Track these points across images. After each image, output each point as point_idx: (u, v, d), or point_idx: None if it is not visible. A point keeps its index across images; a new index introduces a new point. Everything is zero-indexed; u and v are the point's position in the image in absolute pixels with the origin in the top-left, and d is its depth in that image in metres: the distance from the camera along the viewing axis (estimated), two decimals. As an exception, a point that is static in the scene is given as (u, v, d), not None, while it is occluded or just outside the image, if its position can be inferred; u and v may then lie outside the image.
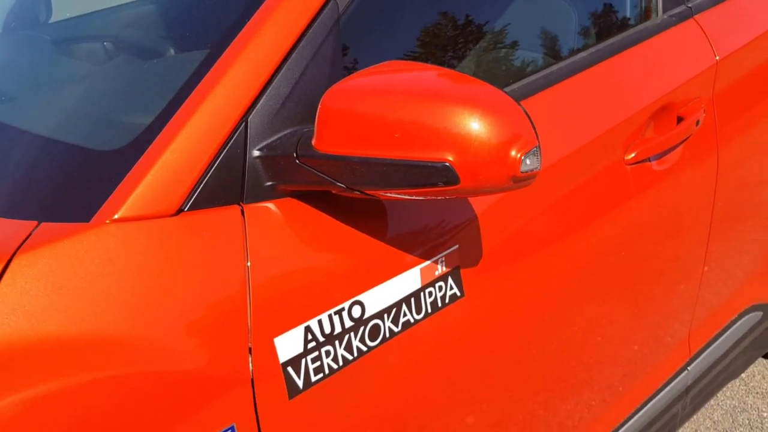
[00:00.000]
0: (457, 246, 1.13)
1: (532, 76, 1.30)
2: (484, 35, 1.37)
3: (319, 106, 0.94)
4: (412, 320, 1.09)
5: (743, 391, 2.40)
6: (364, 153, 0.91)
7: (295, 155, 0.96)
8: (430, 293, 1.11)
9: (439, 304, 1.12)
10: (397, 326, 1.07)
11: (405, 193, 0.92)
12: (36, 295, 0.81)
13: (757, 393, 2.39)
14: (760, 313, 2.03)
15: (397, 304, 1.07)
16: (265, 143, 0.98)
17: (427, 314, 1.11)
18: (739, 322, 1.96)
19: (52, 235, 0.86)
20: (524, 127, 0.89)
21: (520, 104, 0.91)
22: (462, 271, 1.15)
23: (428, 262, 1.10)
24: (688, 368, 1.80)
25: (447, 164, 0.88)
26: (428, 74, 0.94)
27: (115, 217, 0.89)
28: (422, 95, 0.90)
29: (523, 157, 0.89)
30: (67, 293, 0.83)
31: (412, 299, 1.09)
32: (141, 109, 1.04)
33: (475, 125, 0.87)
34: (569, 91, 1.35)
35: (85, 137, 1.06)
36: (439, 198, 0.93)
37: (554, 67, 1.34)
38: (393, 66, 0.97)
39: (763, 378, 2.46)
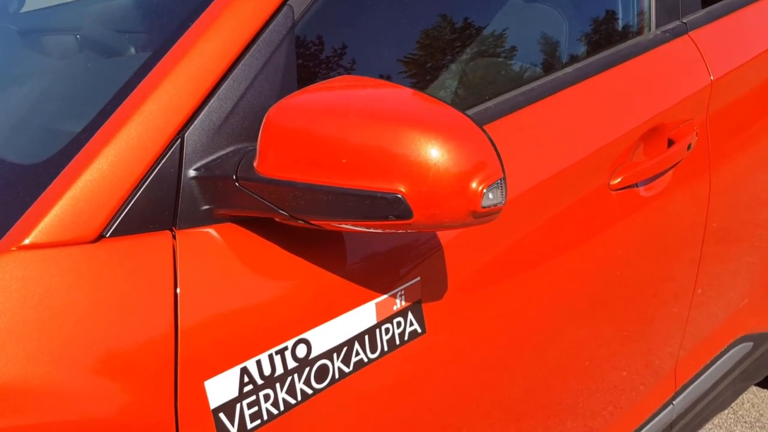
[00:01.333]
0: (418, 278, 1.03)
1: (512, 92, 1.20)
2: (462, 46, 1.27)
3: (263, 124, 0.84)
4: (365, 359, 0.99)
5: (731, 420, 2.31)
6: (309, 179, 0.81)
7: (234, 177, 0.86)
8: (387, 330, 1.01)
9: (398, 342, 1.02)
10: (348, 366, 0.97)
11: (353, 225, 0.83)
12: None
13: (745, 422, 2.30)
14: (750, 344, 1.93)
15: (349, 342, 0.97)
16: (203, 162, 0.88)
17: (383, 353, 1.01)
18: (728, 354, 1.86)
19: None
20: (488, 156, 0.80)
21: (484, 130, 0.81)
22: (424, 306, 1.05)
23: (385, 296, 1.00)
24: (674, 402, 1.71)
25: (399, 196, 0.78)
26: (384, 92, 0.84)
27: (24, 243, 0.79)
28: (374, 116, 0.80)
29: (485, 190, 0.79)
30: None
31: (366, 337, 0.99)
32: (68, 119, 0.94)
33: (431, 152, 0.77)
34: (551, 108, 1.26)
35: (1, 146, 0.96)
36: (391, 231, 0.83)
37: (537, 83, 1.24)
38: (347, 81, 0.87)
39: (753, 406, 2.37)
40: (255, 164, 0.85)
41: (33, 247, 0.79)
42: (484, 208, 0.79)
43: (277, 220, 0.88)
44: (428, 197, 0.78)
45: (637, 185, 1.35)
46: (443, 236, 1.06)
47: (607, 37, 1.48)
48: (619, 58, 1.38)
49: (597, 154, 1.29)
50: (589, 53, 1.42)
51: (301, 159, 0.82)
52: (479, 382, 1.17)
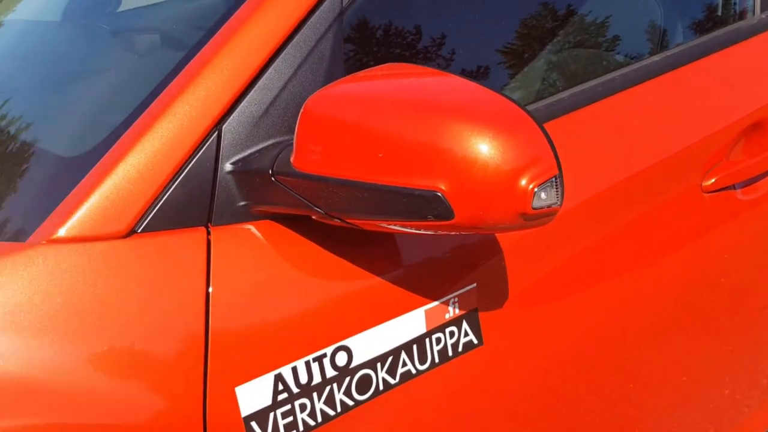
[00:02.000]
0: (474, 285, 0.95)
1: (592, 82, 1.09)
2: (535, 32, 1.17)
3: (300, 115, 0.79)
4: (413, 371, 0.92)
5: None
6: (344, 174, 0.75)
7: (271, 172, 0.81)
8: (438, 340, 0.94)
9: (450, 353, 0.95)
10: (393, 377, 0.91)
11: (390, 224, 0.76)
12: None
13: None
14: None
15: (395, 352, 0.90)
16: (240, 156, 0.84)
17: (433, 364, 0.93)
18: None
19: (-21, 255, 0.75)
20: (541, 151, 0.71)
21: (538, 121, 0.72)
22: (481, 315, 0.96)
23: (436, 303, 0.92)
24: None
25: (438, 194, 0.70)
26: (428, 80, 0.76)
27: (55, 236, 0.77)
28: (413, 106, 0.72)
29: (536, 189, 0.70)
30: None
31: (415, 346, 0.92)
32: (111, 113, 0.92)
33: (474, 145, 0.69)
34: (637, 99, 1.14)
35: (41, 139, 0.95)
36: (431, 233, 0.76)
37: (621, 71, 1.13)
38: (392, 69, 0.81)
39: None
40: (291, 158, 0.80)
41: (63, 240, 0.77)
42: (535, 209, 0.70)
43: (314, 218, 0.82)
44: (472, 196, 0.70)
45: (734, 187, 1.20)
46: (504, 237, 0.97)
47: (705, 22, 1.34)
48: (718, 45, 1.24)
49: (688, 152, 1.15)
50: (685, 39, 1.28)
51: (336, 153, 0.76)
52: (545, 404, 1.07)
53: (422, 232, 0.75)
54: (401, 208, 0.73)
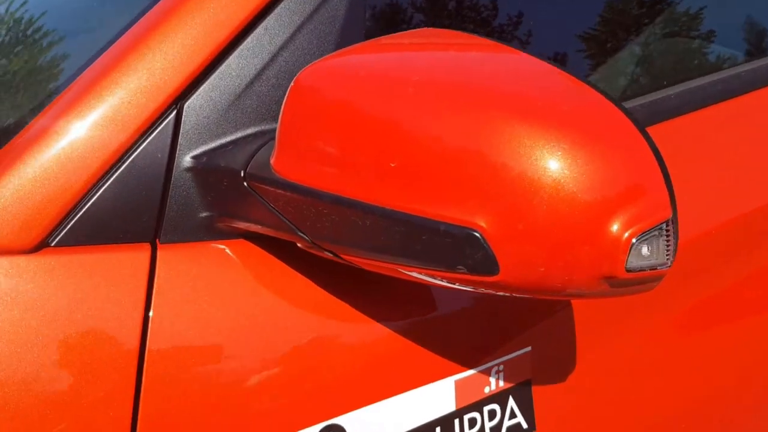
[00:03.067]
0: (529, 348, 0.68)
1: (705, 78, 0.80)
2: (630, 12, 0.89)
3: (287, 97, 0.54)
4: (435, 460, 0.67)
5: None
6: (340, 189, 0.50)
7: (243, 175, 0.56)
8: (473, 422, 0.67)
9: (489, 440, 0.69)
10: (407, 468, 0.65)
11: (403, 269, 0.50)
12: None
13: None
14: None
15: (409, 435, 0.65)
16: (206, 148, 0.59)
17: (464, 454, 0.68)
18: None
19: None
20: (648, 179, 0.44)
21: (645, 132, 0.45)
22: (535, 390, 0.70)
23: (472, 372, 0.66)
24: None
25: (476, 234, 0.44)
26: (478, 57, 0.50)
27: (-69, 246, 0.55)
28: (450, 93, 0.46)
29: (635, 240, 0.43)
30: None
31: (438, 429, 0.66)
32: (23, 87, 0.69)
33: (540, 162, 0.43)
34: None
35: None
36: (465, 290, 0.50)
37: (746, 67, 0.83)
38: (427, 37, 0.55)
39: None
40: (272, 159, 0.55)
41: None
42: (630, 271, 0.44)
43: (299, 246, 0.57)
44: (528, 242, 0.44)
45: None
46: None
47: None
48: None
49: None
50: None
51: (332, 156, 0.51)
52: None
53: (450, 285, 0.50)
54: (419, 250, 0.47)
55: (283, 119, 0.54)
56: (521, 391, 0.69)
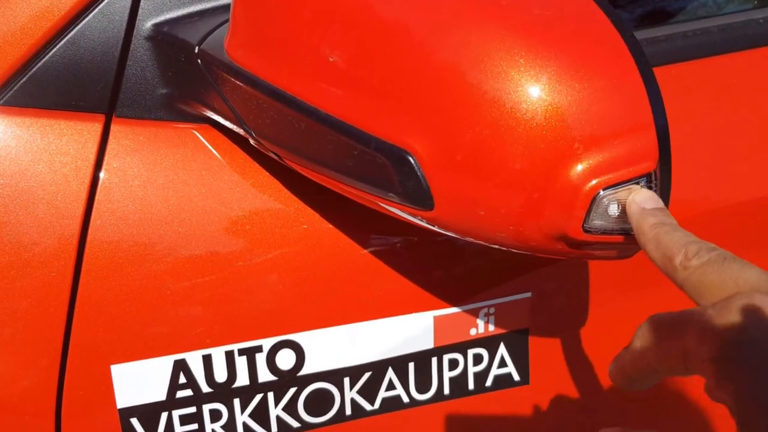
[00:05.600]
0: (529, 294, 0.59)
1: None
2: None
3: (246, -38, 0.45)
4: (405, 399, 0.60)
5: None
6: (280, 81, 0.42)
7: (197, 51, 0.49)
8: (454, 363, 0.60)
9: (471, 386, 0.61)
10: (371, 402, 0.59)
11: (335, 184, 0.42)
12: None
13: None
14: None
15: (376, 367, 0.58)
16: (170, 16, 0.52)
17: (441, 397, 0.60)
18: None
19: None
20: (633, 121, 0.32)
21: (644, 59, 0.33)
22: (531, 341, 0.61)
23: (454, 309, 0.58)
24: None
25: (409, 157, 0.35)
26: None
27: None
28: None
29: (602, 193, 0.33)
30: None
31: (411, 365, 0.59)
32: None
33: (499, 83, 0.32)
34: None
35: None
36: (398, 217, 0.41)
37: None
38: None
39: None
40: (225, 38, 0.47)
41: None
42: (589, 233, 0.33)
43: (250, 141, 0.50)
44: (466, 176, 0.34)
45: None
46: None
47: None
48: None
49: None
50: None
51: (276, 43, 0.42)
52: None
53: (392, 212, 0.41)
54: (351, 166, 0.38)
55: (238, -10, 0.45)
56: (515, 339, 0.60)
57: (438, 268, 0.57)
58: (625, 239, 0.34)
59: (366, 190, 0.39)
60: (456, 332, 0.59)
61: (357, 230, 0.55)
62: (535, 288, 0.59)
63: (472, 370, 0.60)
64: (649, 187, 0.32)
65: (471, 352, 0.60)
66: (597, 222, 0.33)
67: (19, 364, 0.52)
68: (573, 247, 0.34)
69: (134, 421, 0.55)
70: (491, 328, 0.60)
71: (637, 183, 0.32)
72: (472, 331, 0.59)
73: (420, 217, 0.37)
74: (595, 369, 0.62)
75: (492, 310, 0.59)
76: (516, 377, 0.61)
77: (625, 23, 0.33)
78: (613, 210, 0.33)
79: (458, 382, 0.61)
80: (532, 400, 0.63)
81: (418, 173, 0.35)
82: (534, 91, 0.32)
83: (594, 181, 0.32)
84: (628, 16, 0.75)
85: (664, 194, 0.33)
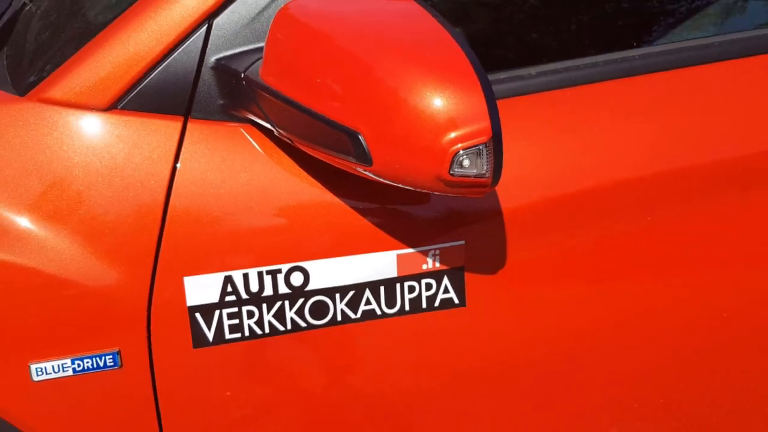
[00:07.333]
0: (463, 242, 0.86)
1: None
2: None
3: (273, 20, 0.74)
4: (378, 312, 0.87)
5: None
6: (291, 93, 0.70)
7: (242, 77, 0.78)
8: (412, 288, 0.87)
9: (424, 305, 0.88)
10: (354, 312, 0.87)
11: (322, 156, 0.70)
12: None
13: None
14: None
15: (357, 288, 0.86)
16: (226, 54, 0.81)
17: (403, 311, 0.88)
18: None
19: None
20: (475, 109, 0.60)
21: (481, 72, 0.60)
22: (467, 275, 0.88)
23: (411, 250, 0.85)
24: None
25: (359, 135, 0.63)
26: (383, 5, 0.67)
27: (46, 97, 0.82)
28: (356, 33, 0.65)
29: (459, 153, 0.60)
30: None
31: (382, 288, 0.86)
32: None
33: (399, 89, 0.60)
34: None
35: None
36: (356, 173, 0.69)
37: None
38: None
39: None
40: (260, 67, 0.76)
41: (52, 102, 0.82)
42: (453, 176, 0.61)
43: (275, 134, 0.79)
44: (391, 145, 0.62)
45: None
46: (507, 200, 0.85)
47: None
48: None
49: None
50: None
51: (290, 68, 0.71)
52: (521, 383, 0.95)
53: (349, 171, 0.69)
54: (329, 141, 0.67)
55: (268, 38, 0.74)
56: (455, 274, 0.87)
57: (402, 224, 0.85)
58: (472, 181, 0.61)
59: (337, 156, 0.67)
60: (413, 266, 0.86)
61: (353, 200, 0.83)
62: (467, 237, 0.86)
63: (424, 294, 0.88)
64: (488, 149, 0.59)
65: (423, 281, 0.87)
66: (457, 170, 0.60)
67: (118, 268, 0.81)
68: (447, 185, 0.62)
69: (197, 315, 0.84)
70: (437, 264, 0.87)
71: (479, 148, 0.59)
72: (424, 266, 0.87)
73: (367, 171, 0.65)
74: (512, 296, 0.89)
75: (437, 252, 0.86)
76: (456, 300, 0.89)
77: (467, 46, 0.60)
78: (466, 163, 0.60)
79: (415, 302, 0.88)
80: (468, 318, 0.89)
81: (363, 144, 0.63)
82: (426, 96, 0.60)
83: (453, 148, 0.59)
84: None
85: (497, 157, 0.60)
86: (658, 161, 0.88)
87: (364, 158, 0.64)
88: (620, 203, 0.89)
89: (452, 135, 0.59)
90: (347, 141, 0.64)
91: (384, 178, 0.65)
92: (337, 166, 0.71)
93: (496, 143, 0.60)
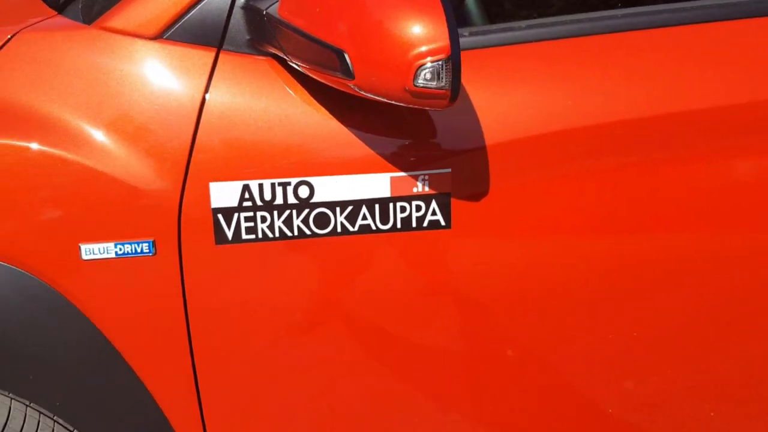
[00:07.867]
0: (449, 170, 0.98)
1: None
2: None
3: (290, -35, 0.88)
4: (373, 227, 1.01)
5: None
6: (298, 23, 0.84)
7: (264, 13, 0.92)
8: (403, 208, 1.00)
9: (414, 224, 1.01)
10: (352, 225, 1.00)
11: (316, 75, 0.84)
12: (20, 69, 0.98)
13: None
14: None
15: (355, 203, 0.99)
16: (254, -6, 0.96)
17: (395, 228, 1.01)
18: None
19: (55, 26, 1.00)
20: (437, 31, 0.72)
21: (446, 3, 0.73)
22: (453, 201, 1.00)
23: (403, 174, 0.98)
24: None
25: (344, 53, 0.77)
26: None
27: (106, 25, 0.99)
28: (348, -32, 0.78)
29: (421, 67, 0.72)
30: (45, 77, 0.97)
31: (377, 206, 0.99)
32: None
33: (374, 14, 0.73)
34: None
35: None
36: (341, 89, 0.82)
37: None
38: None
39: None
40: (278, 4, 0.90)
41: (110, 29, 0.99)
42: (417, 87, 0.73)
43: (289, 63, 0.93)
44: (368, 60, 0.75)
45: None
46: (492, 135, 0.97)
47: None
48: None
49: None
50: None
51: (299, 4, 0.85)
52: (500, 302, 1.06)
53: (338, 87, 0.82)
54: (323, 61, 0.80)
55: (285, -21, 0.89)
56: (442, 198, 1.00)
57: (396, 152, 0.98)
58: (434, 92, 0.73)
59: (328, 73, 0.81)
60: (404, 188, 0.99)
61: (356, 128, 0.96)
62: (453, 166, 0.98)
63: (414, 214, 1.00)
64: (447, 66, 0.71)
65: (414, 203, 1.00)
66: (420, 82, 0.73)
67: (157, 171, 0.97)
68: (413, 96, 0.74)
69: (219, 216, 0.99)
70: (426, 189, 0.99)
71: (439, 63, 0.72)
72: (414, 189, 0.99)
73: (351, 84, 0.78)
74: (494, 223, 1.00)
75: (426, 177, 0.99)
76: (443, 222, 1.01)
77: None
78: (427, 76, 0.72)
79: (406, 221, 1.01)
80: (453, 238, 1.01)
81: (347, 61, 0.76)
82: (398, 21, 0.73)
83: (418, 62, 0.72)
84: None
85: (455, 73, 0.72)
86: (639, 106, 0.98)
87: (348, 73, 0.77)
88: (610, 142, 0.99)
89: (416, 51, 0.72)
90: (335, 59, 0.78)
91: (365, 91, 0.79)
92: (329, 83, 0.84)
93: (454, 60, 0.72)
